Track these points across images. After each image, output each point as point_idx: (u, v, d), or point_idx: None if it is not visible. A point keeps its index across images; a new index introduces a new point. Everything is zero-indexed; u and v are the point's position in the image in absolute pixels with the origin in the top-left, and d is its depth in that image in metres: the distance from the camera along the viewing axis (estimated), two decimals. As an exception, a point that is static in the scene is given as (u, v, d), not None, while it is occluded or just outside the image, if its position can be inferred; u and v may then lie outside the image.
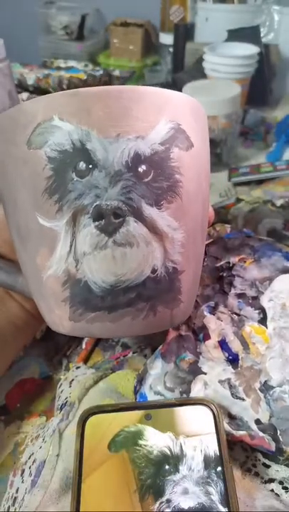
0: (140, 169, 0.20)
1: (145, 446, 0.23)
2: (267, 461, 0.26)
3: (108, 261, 0.20)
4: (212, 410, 0.24)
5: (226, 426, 0.25)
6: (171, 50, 0.98)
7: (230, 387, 0.27)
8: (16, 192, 0.21)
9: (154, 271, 0.21)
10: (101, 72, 0.94)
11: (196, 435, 0.23)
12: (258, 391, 0.26)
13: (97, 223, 0.20)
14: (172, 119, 0.21)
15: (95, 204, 0.20)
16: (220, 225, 0.38)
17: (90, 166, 0.20)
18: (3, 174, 0.22)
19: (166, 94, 0.22)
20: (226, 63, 0.73)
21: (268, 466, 0.26)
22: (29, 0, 1.35)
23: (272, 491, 0.25)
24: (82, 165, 0.20)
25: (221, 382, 0.27)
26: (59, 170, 0.20)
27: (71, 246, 0.20)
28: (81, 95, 0.20)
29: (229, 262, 0.33)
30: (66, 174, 0.20)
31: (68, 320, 0.22)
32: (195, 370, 0.28)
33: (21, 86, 0.87)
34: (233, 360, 0.28)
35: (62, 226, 0.20)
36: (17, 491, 0.26)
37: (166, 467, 0.22)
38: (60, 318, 0.22)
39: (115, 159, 0.20)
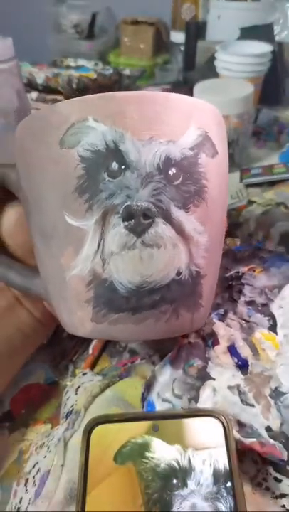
0: (170, 172, 0.21)
1: (152, 458, 0.22)
2: (278, 475, 0.25)
3: (135, 261, 0.20)
4: (222, 422, 0.23)
5: (235, 433, 0.24)
6: (182, 48, 0.98)
7: (240, 393, 0.26)
8: (43, 192, 0.22)
9: (178, 273, 0.21)
10: (111, 71, 0.93)
11: (205, 448, 0.22)
12: (269, 397, 0.26)
13: (126, 223, 0.20)
14: (200, 126, 0.22)
15: (125, 204, 0.20)
16: (229, 239, 0.38)
17: (123, 167, 0.20)
18: (29, 175, 0.22)
19: (196, 102, 0.22)
20: (239, 62, 0.72)
21: (280, 481, 0.25)
22: (39, -2, 1.35)
23: (283, 506, 0.24)
24: (114, 165, 0.20)
25: (230, 388, 0.26)
26: (91, 169, 0.20)
27: (99, 245, 0.20)
28: (116, 98, 0.20)
29: (238, 272, 0.32)
30: (98, 174, 0.20)
31: (90, 321, 0.22)
32: (204, 376, 0.27)
33: (30, 85, 0.87)
34: (243, 365, 0.27)
35: (91, 225, 0.20)
36: (20, 501, 0.25)
37: (174, 481, 0.21)
38: (81, 319, 0.22)
39: (147, 161, 0.20)
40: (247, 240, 0.39)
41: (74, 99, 0.21)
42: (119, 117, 0.20)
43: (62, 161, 0.21)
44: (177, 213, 0.21)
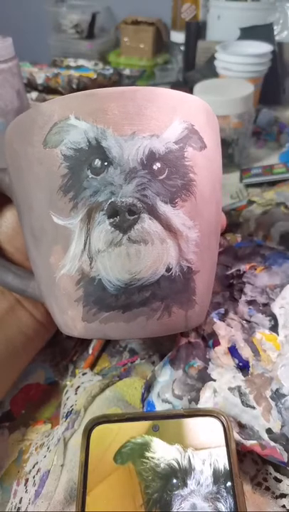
0: (155, 167, 0.20)
1: (152, 458, 0.22)
2: (278, 475, 0.25)
3: (123, 258, 0.20)
4: (222, 422, 0.23)
5: (235, 435, 0.24)
6: (182, 48, 0.98)
7: (241, 394, 0.26)
8: (31, 192, 0.22)
9: (168, 269, 0.21)
10: (111, 71, 0.93)
11: (205, 448, 0.22)
12: (269, 399, 0.25)
13: (111, 220, 0.20)
14: (186, 119, 0.22)
15: (109, 201, 0.20)
16: (230, 234, 0.37)
17: (106, 164, 0.20)
18: (18, 176, 0.22)
19: (180, 96, 0.22)
20: (239, 62, 0.72)
21: (280, 481, 0.25)
22: (40, -2, 1.35)
23: (283, 506, 0.24)
24: (97, 162, 0.20)
25: (230, 389, 0.26)
26: (74, 168, 0.20)
27: (85, 244, 0.20)
28: (97, 95, 0.20)
29: (239, 270, 0.32)
30: (81, 172, 0.20)
31: (81, 321, 0.22)
32: (204, 377, 0.27)
33: (31, 85, 0.87)
34: (244, 367, 0.27)
35: (77, 224, 0.20)
36: (20, 501, 0.25)
37: (174, 481, 0.21)
38: (73, 319, 0.22)
39: (130, 156, 0.20)
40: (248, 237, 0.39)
41: (56, 98, 0.21)
42: (101, 114, 0.20)
43: (46, 160, 0.21)
44: (164, 208, 0.21)
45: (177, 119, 0.21)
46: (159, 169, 0.21)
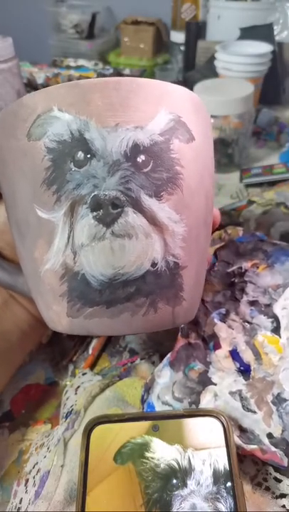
0: (139, 159, 0.20)
1: (152, 458, 0.22)
2: (278, 475, 0.25)
3: (106, 253, 0.20)
4: (222, 422, 0.23)
5: (236, 439, 0.24)
6: (182, 48, 0.97)
7: (242, 399, 0.26)
8: (16, 186, 0.21)
9: (154, 264, 0.21)
10: (111, 71, 0.93)
11: (205, 448, 0.22)
12: (271, 404, 0.25)
13: (95, 213, 0.19)
14: (172, 110, 0.21)
15: (92, 194, 0.19)
16: (232, 227, 0.36)
17: (89, 156, 0.20)
18: (4, 170, 0.22)
19: (166, 87, 0.21)
20: (239, 62, 0.72)
21: (280, 481, 0.25)
22: (40, -2, 1.35)
23: (283, 506, 0.24)
24: (80, 155, 0.20)
25: (231, 393, 0.26)
26: (58, 160, 0.20)
27: (69, 238, 0.20)
28: (80, 86, 0.20)
29: (241, 268, 0.32)
30: (64, 164, 0.20)
31: (66, 316, 0.22)
32: (205, 381, 0.27)
33: (31, 85, 0.87)
34: (245, 370, 0.27)
35: (60, 217, 0.20)
36: (20, 502, 0.25)
37: (174, 481, 0.21)
38: (58, 314, 0.22)
39: (114, 149, 0.19)
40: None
41: (40, 90, 0.21)
42: (83, 105, 0.20)
43: (30, 153, 0.20)
44: (148, 202, 0.20)
45: (162, 110, 0.21)
46: (144, 162, 0.20)
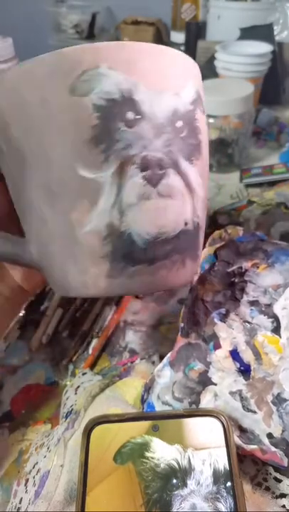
0: (178, 124, 0.21)
1: (152, 458, 0.22)
2: (278, 475, 0.25)
3: (152, 212, 0.20)
4: (222, 422, 0.23)
5: (236, 439, 0.24)
6: (182, 48, 0.97)
7: (242, 399, 0.26)
8: (49, 145, 0.20)
9: (186, 224, 0.22)
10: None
11: (204, 448, 0.22)
12: (271, 404, 0.25)
13: (144, 173, 0.20)
14: (195, 83, 0.23)
15: (142, 154, 0.20)
16: (232, 227, 0.36)
17: (138, 117, 0.20)
18: (28, 128, 0.21)
19: (192, 61, 0.23)
20: (239, 62, 0.72)
21: (280, 481, 0.25)
22: (40, -2, 1.35)
23: (283, 506, 0.24)
24: (130, 115, 0.20)
25: (231, 393, 0.26)
26: (106, 119, 0.20)
27: (116, 198, 0.20)
28: (128, 47, 0.20)
29: (241, 267, 0.32)
30: (114, 123, 0.20)
31: (106, 278, 0.21)
32: (205, 381, 0.27)
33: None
34: (245, 370, 0.27)
35: (108, 177, 0.20)
36: (20, 502, 0.25)
37: (174, 481, 0.21)
38: (95, 277, 0.21)
39: (160, 112, 0.20)
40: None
41: (83, 45, 0.20)
42: (132, 66, 0.20)
43: (73, 109, 0.19)
44: (184, 165, 0.21)
45: (190, 82, 0.22)
46: (181, 128, 0.21)
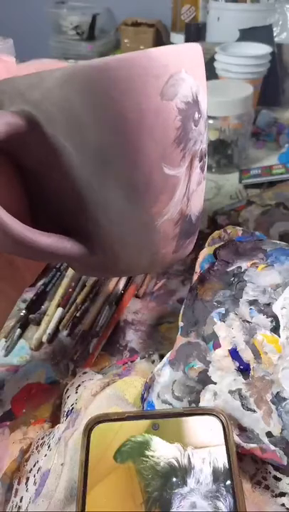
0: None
1: (152, 457, 0.22)
2: (278, 474, 0.25)
3: (201, 193, 0.25)
4: (222, 421, 0.23)
5: (236, 438, 0.24)
6: (182, 49, 0.98)
7: (241, 398, 0.26)
8: (141, 146, 0.21)
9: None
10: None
11: (204, 446, 0.22)
12: (270, 403, 0.25)
13: (201, 163, 0.24)
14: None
15: (201, 148, 0.23)
16: (231, 227, 0.37)
17: (200, 116, 0.22)
18: (115, 130, 0.20)
19: None
20: (238, 63, 0.72)
21: (279, 479, 0.25)
22: (40, 0, 1.35)
23: (283, 505, 0.24)
24: (196, 115, 0.22)
25: (231, 392, 0.26)
26: (185, 120, 0.22)
27: (186, 187, 0.23)
28: (193, 49, 0.22)
29: (241, 267, 0.32)
30: (188, 124, 0.22)
31: (172, 254, 0.25)
32: (204, 380, 0.27)
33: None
34: (244, 369, 0.27)
35: (183, 172, 0.23)
36: (21, 500, 0.25)
37: (174, 480, 0.21)
38: (164, 256, 0.25)
39: (205, 110, 0.23)
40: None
41: (166, 47, 0.21)
42: (198, 69, 0.22)
43: (162, 113, 0.20)
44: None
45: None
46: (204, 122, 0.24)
